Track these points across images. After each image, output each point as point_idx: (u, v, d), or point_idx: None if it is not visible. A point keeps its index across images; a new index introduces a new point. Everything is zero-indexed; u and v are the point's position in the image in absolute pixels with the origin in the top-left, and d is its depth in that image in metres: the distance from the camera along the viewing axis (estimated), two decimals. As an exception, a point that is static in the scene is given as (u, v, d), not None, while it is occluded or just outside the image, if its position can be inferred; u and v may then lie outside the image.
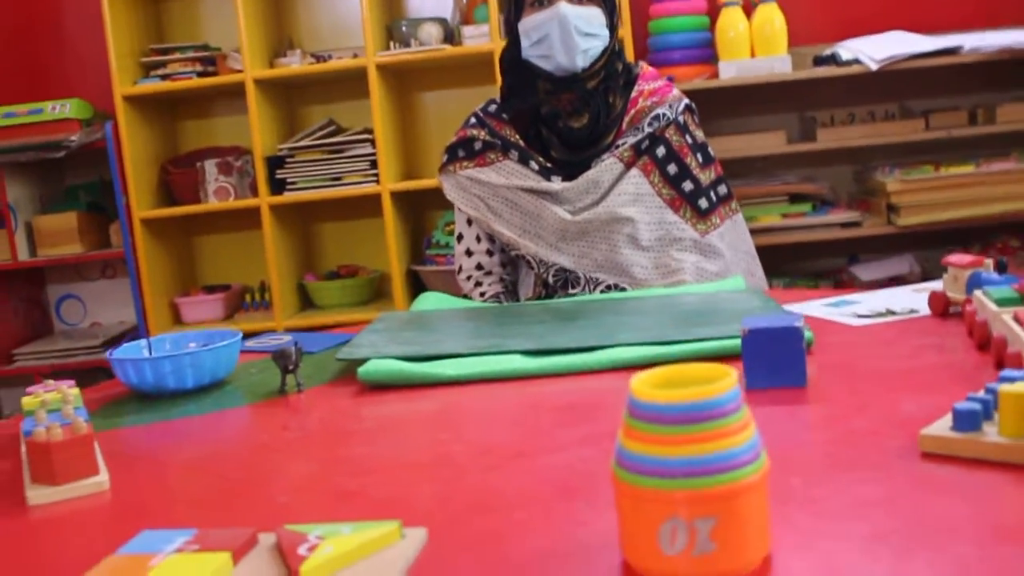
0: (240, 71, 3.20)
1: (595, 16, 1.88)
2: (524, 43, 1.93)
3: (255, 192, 3.29)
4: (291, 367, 1.39)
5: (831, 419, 1.05)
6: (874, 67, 2.89)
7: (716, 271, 1.92)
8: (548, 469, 0.96)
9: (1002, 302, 1.25)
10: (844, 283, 3.16)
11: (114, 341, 3.45)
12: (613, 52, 1.95)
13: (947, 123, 3.15)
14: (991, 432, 0.88)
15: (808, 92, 3.28)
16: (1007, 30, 3.12)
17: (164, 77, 3.25)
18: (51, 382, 1.31)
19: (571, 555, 0.75)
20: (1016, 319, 1.15)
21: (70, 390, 1.26)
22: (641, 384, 0.72)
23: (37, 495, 1.02)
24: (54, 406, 1.19)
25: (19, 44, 3.61)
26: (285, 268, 3.34)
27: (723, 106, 3.31)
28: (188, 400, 1.41)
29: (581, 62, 1.88)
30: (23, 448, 1.20)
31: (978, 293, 1.31)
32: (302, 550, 0.77)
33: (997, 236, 3.20)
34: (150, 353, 1.51)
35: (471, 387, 1.31)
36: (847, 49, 3.03)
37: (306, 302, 3.49)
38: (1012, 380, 0.89)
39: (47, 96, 3.46)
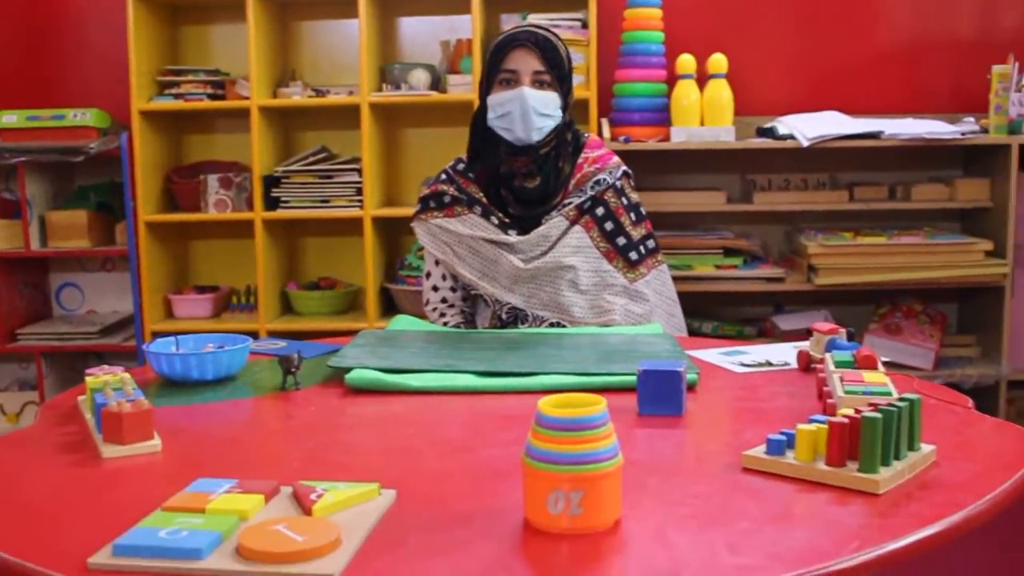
0: (247, 97, 3.54)
1: (552, 100, 2.26)
2: (490, 115, 2.30)
3: (251, 206, 3.63)
4: (293, 369, 1.77)
5: (692, 440, 1.45)
6: (805, 143, 3.28)
7: (641, 313, 2.31)
8: (486, 458, 1.35)
9: (839, 364, 1.65)
10: (766, 330, 3.54)
11: (110, 329, 3.78)
12: (565, 125, 2.33)
13: (869, 196, 3.55)
14: (790, 456, 1.27)
15: (749, 158, 3.65)
16: (926, 119, 3.53)
17: (177, 96, 3.59)
18: (106, 367, 1.68)
19: (494, 513, 1.14)
20: (841, 379, 1.54)
21: (124, 374, 1.63)
22: (545, 404, 1.11)
23: (110, 451, 1.39)
24: (116, 385, 1.56)
25: (46, 53, 3.92)
26: (271, 276, 3.67)
27: (673, 165, 3.68)
28: (206, 389, 1.78)
29: (536, 137, 2.26)
30: (87, 416, 1.57)
31: (827, 355, 1.71)
32: (313, 496, 1.15)
33: (903, 299, 3.59)
34: (177, 349, 1.88)
35: (433, 397, 1.70)
36: (784, 124, 3.42)
37: (287, 308, 3.83)
38: (813, 422, 1.29)
39: (67, 103, 3.80)
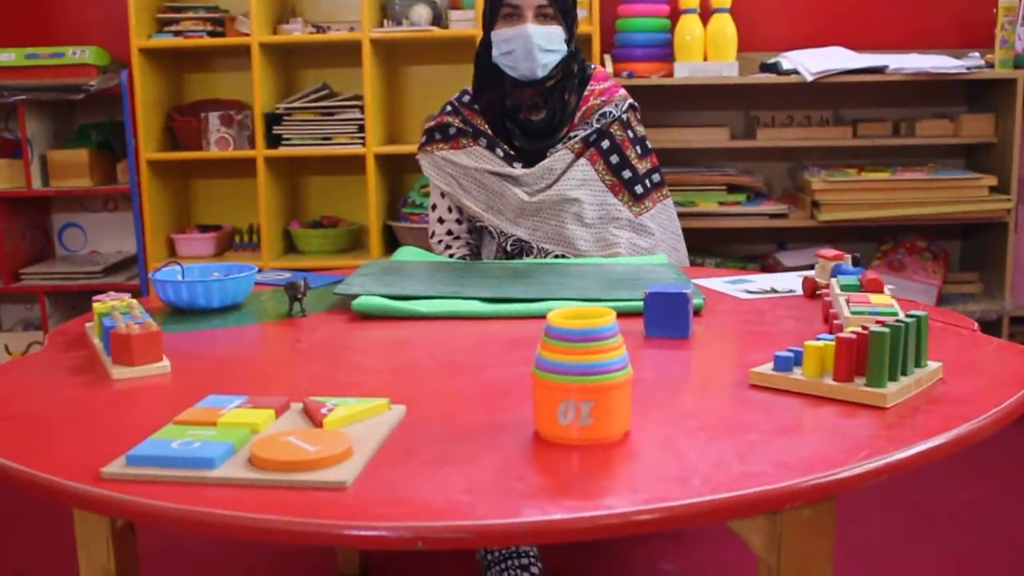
0: (247, 34, 3.52)
1: (556, 33, 2.25)
2: (494, 51, 2.28)
3: (252, 144, 3.62)
4: (299, 296, 1.77)
5: (699, 360, 1.45)
6: (809, 78, 3.27)
7: (646, 247, 2.31)
8: (493, 378, 1.36)
9: (844, 287, 1.65)
10: (770, 267, 3.55)
11: (113, 269, 3.78)
12: (570, 56, 2.32)
13: (873, 132, 3.54)
14: (797, 372, 1.28)
15: (752, 94, 3.64)
16: (930, 54, 3.51)
17: (177, 34, 3.56)
18: (113, 293, 1.68)
19: (502, 427, 1.14)
20: (847, 300, 1.55)
21: (131, 299, 1.63)
22: (554, 316, 1.11)
23: (119, 372, 1.40)
24: (123, 310, 1.56)
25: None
26: (273, 214, 3.67)
27: (676, 101, 3.68)
28: (213, 317, 1.79)
29: (540, 72, 2.25)
30: (95, 341, 1.58)
31: (833, 280, 1.71)
32: (323, 411, 1.16)
33: (906, 235, 3.59)
34: (183, 277, 1.88)
35: (440, 322, 1.71)
36: (788, 60, 3.40)
37: (290, 247, 3.83)
38: (819, 339, 1.29)
39: (66, 41, 3.78)
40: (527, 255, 2.30)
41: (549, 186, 2.29)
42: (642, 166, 2.34)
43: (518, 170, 2.29)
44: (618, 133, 2.32)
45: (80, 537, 1.33)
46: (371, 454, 1.05)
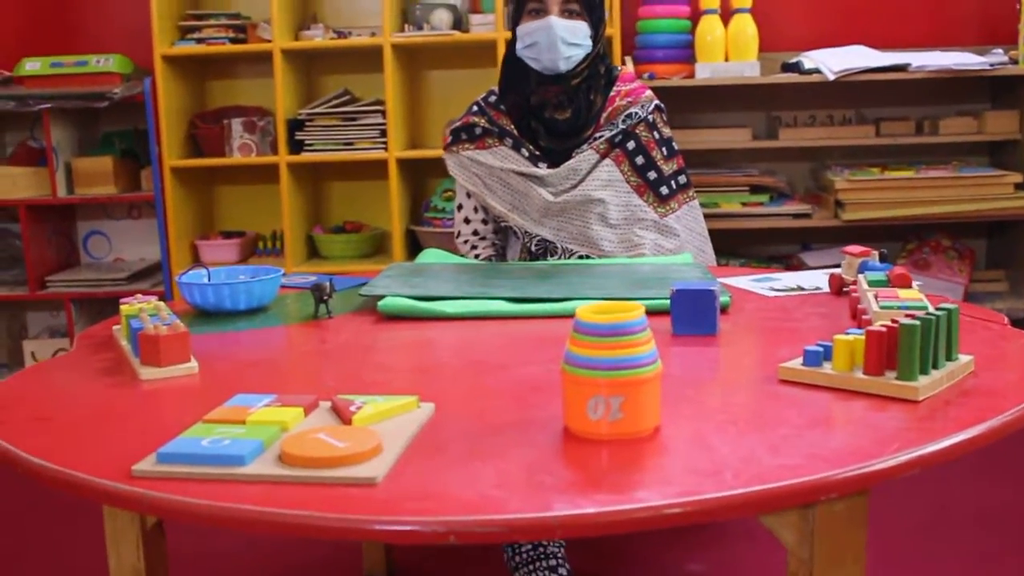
0: (269, 41, 3.53)
1: (580, 29, 2.25)
2: (519, 45, 2.29)
3: (275, 150, 3.63)
4: (325, 297, 1.77)
5: (727, 356, 1.45)
6: (831, 77, 3.25)
7: (671, 248, 2.30)
8: (521, 376, 1.35)
9: (872, 283, 1.64)
10: (793, 267, 3.53)
11: (138, 276, 3.80)
12: (597, 56, 2.31)
13: (896, 131, 3.52)
14: (827, 367, 1.27)
15: (774, 94, 3.63)
16: (953, 51, 3.49)
17: (199, 41, 3.58)
18: (140, 295, 1.69)
19: (532, 423, 1.14)
20: (876, 296, 1.54)
21: (159, 302, 1.64)
22: (583, 311, 1.11)
23: (148, 373, 1.41)
24: (151, 311, 1.57)
25: (68, 1, 3.93)
26: (297, 220, 3.68)
27: (697, 102, 3.67)
28: (239, 319, 1.79)
29: (564, 66, 2.25)
30: (123, 343, 1.58)
31: (860, 276, 1.70)
32: (352, 408, 1.16)
33: (931, 234, 3.57)
34: (209, 280, 1.88)
35: (466, 322, 1.70)
36: (810, 59, 3.39)
37: (313, 252, 3.84)
38: (848, 333, 1.28)
39: (89, 50, 3.80)
40: (551, 255, 2.30)
41: (574, 186, 2.28)
42: (668, 167, 2.33)
43: (543, 170, 2.29)
44: (644, 134, 2.32)
45: (110, 537, 1.33)
46: (401, 450, 1.05)
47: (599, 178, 2.28)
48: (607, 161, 2.29)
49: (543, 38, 2.22)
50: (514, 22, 2.31)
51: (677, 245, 2.31)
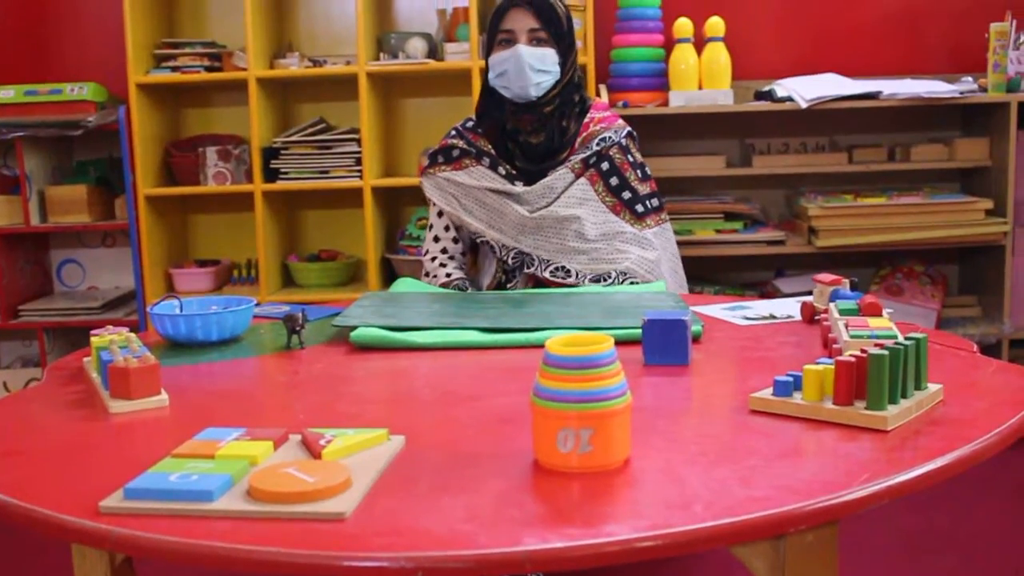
0: (244, 69, 3.53)
1: (549, 56, 2.29)
2: (491, 74, 2.35)
3: (250, 179, 3.62)
4: (298, 328, 1.77)
5: (699, 386, 1.45)
6: (804, 105, 3.28)
7: (654, 259, 2.30)
8: (492, 407, 1.35)
9: (843, 312, 1.65)
10: (768, 293, 3.54)
11: (112, 304, 3.77)
12: (570, 84, 2.35)
13: (868, 158, 3.55)
14: (797, 397, 1.27)
15: (748, 122, 3.66)
16: (924, 79, 3.53)
17: (174, 69, 3.57)
18: (111, 327, 1.68)
19: (502, 455, 1.14)
20: (846, 324, 1.54)
21: (129, 333, 1.63)
22: (552, 343, 1.11)
23: (117, 406, 1.40)
24: (121, 343, 1.56)
25: (42, 27, 3.90)
26: (271, 249, 3.67)
27: (671, 130, 3.69)
28: (211, 350, 1.78)
29: (535, 92, 2.29)
30: (93, 375, 1.57)
31: (831, 304, 1.71)
32: (322, 442, 1.15)
33: (904, 260, 3.59)
34: (181, 311, 1.88)
35: (439, 352, 1.70)
36: (783, 87, 3.41)
37: (288, 281, 3.82)
38: (819, 363, 1.29)
39: (64, 78, 3.79)
40: (528, 266, 2.30)
41: (549, 204, 2.32)
42: (642, 188, 2.37)
43: (519, 187, 2.33)
44: (617, 156, 2.36)
45: (79, 573, 1.32)
46: (370, 485, 1.05)
47: (574, 195, 2.32)
48: (582, 180, 2.33)
49: (512, 66, 2.27)
50: (487, 53, 2.35)
51: (658, 256, 2.32)
